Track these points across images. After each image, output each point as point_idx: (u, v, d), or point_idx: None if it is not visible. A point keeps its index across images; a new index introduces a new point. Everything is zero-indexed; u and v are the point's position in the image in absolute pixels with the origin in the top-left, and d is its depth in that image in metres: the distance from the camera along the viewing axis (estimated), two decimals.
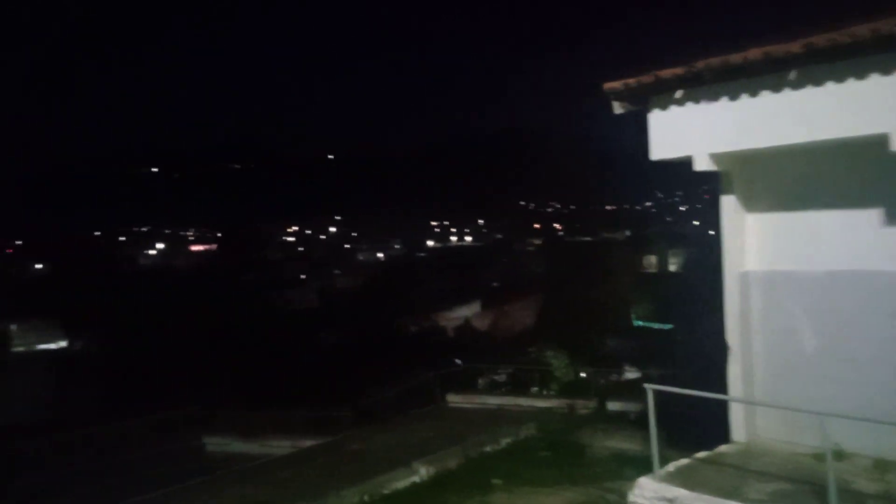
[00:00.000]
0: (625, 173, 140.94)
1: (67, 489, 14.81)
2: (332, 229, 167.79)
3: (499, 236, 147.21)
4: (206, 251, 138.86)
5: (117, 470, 15.99)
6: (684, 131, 7.31)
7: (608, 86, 7.56)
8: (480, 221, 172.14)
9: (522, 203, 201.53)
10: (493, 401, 16.60)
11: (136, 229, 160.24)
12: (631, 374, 21.37)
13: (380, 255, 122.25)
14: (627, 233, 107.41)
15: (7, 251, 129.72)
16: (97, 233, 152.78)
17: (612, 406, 14.40)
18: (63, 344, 47.19)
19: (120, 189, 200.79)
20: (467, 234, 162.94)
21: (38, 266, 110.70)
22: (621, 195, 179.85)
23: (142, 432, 20.69)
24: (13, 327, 47.34)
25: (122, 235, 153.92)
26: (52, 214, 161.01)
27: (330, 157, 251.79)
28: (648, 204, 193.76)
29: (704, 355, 11.18)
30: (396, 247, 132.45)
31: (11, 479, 16.10)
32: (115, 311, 50.35)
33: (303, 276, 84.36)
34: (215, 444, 17.32)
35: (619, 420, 13.24)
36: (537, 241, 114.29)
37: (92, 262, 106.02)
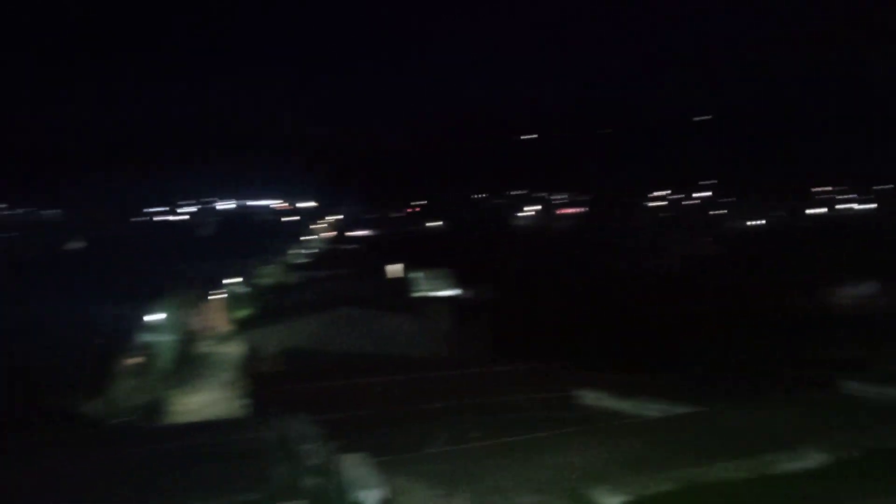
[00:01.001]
0: None
1: (465, 418, 16.72)
2: (705, 194, 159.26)
3: None
4: (575, 214, 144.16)
5: (504, 408, 17.73)
6: None
7: None
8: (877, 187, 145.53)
9: None
10: None
11: (512, 193, 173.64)
12: None
13: (757, 222, 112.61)
14: None
15: (411, 210, 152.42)
16: (481, 195, 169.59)
17: None
18: (455, 292, 53.11)
19: (501, 155, 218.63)
20: (860, 199, 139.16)
21: (435, 223, 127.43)
22: None
23: (521, 377, 22.58)
24: (415, 276, 54.75)
25: (500, 198, 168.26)
26: (443, 181, 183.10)
27: (705, 118, 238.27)
28: None
29: None
30: (776, 214, 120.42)
31: (426, 403, 18.74)
32: (499, 265, 55.79)
33: (670, 242, 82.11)
34: (589, 398, 18.01)
35: None
36: None
37: (479, 220, 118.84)
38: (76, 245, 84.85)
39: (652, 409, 16.36)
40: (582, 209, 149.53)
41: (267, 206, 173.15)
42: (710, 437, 12.58)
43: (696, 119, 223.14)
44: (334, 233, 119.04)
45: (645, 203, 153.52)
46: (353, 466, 8.45)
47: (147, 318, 36.46)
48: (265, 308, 45.29)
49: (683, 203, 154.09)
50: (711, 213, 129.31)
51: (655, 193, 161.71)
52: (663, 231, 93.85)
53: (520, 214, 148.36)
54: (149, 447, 16.96)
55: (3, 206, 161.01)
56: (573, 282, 50.07)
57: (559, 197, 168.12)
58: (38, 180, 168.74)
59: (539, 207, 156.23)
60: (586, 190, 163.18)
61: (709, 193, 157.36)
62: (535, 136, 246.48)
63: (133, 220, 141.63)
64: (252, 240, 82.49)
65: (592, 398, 17.91)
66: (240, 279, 58.44)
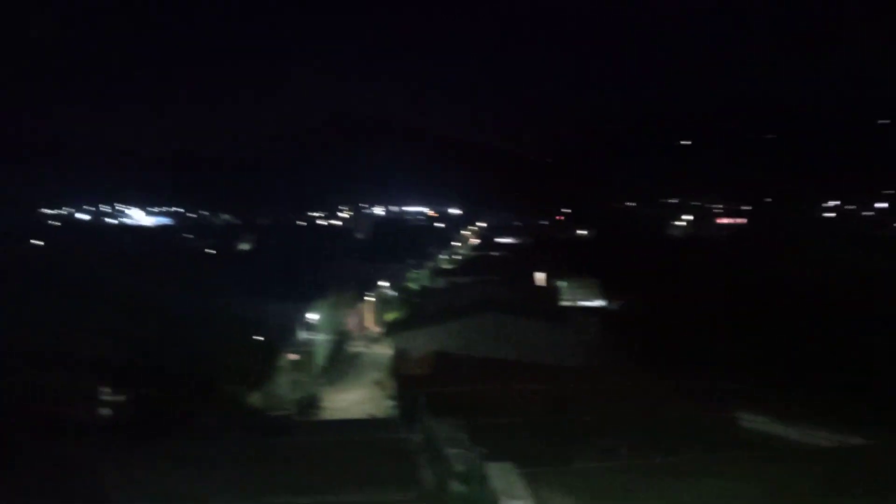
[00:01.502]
0: None
1: (614, 432, 16.14)
2: (882, 205, 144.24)
3: None
4: (733, 224, 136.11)
5: (656, 424, 16.90)
6: None
7: None
8: None
9: None
10: None
11: (665, 201, 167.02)
12: None
13: None
14: None
15: (558, 218, 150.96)
16: (631, 203, 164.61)
17: None
18: (601, 303, 51.77)
19: (652, 161, 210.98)
20: None
21: (582, 232, 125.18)
22: None
23: (674, 393, 21.49)
24: (562, 284, 53.90)
25: (653, 206, 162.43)
26: (592, 188, 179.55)
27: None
28: None
29: None
30: None
31: (574, 414, 18.37)
32: (649, 276, 53.68)
33: (847, 256, 75.06)
34: (750, 420, 16.79)
35: None
36: None
37: (629, 230, 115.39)
38: (245, 246, 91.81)
39: (819, 438, 14.98)
40: (742, 219, 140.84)
41: (420, 213, 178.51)
42: (886, 473, 11.30)
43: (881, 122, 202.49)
44: (480, 240, 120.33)
45: (815, 213, 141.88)
46: (501, 475, 8.38)
47: (306, 316, 38.68)
48: (414, 311, 46.53)
49: (862, 214, 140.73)
50: None
51: (829, 203, 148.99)
52: (838, 244, 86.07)
53: (674, 223, 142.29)
54: (305, 439, 17.95)
55: (181, 210, 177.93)
56: (732, 294, 47.13)
57: (716, 206, 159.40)
58: (212, 187, 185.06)
59: (693, 217, 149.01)
60: (745, 198, 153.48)
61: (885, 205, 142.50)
62: (689, 142, 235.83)
63: (297, 223, 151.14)
64: (403, 244, 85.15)
65: (754, 420, 16.67)
66: (392, 282, 60.59)
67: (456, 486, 9.58)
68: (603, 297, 51.35)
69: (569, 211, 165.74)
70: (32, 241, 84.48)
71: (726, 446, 14.56)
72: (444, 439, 12.16)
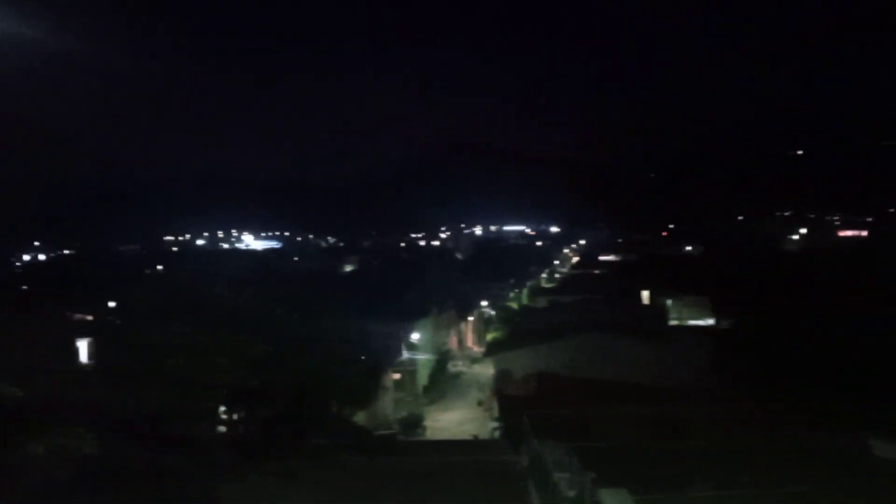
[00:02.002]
0: None
1: (731, 458, 15.29)
2: None
3: None
4: (855, 237, 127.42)
5: (776, 450, 15.85)
6: None
7: None
8: None
9: None
10: None
11: (778, 213, 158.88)
12: None
13: None
14: None
15: (663, 234, 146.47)
16: (740, 217, 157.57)
17: None
18: (710, 322, 49.63)
19: (762, 173, 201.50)
20: None
21: (688, 248, 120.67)
22: None
23: (793, 416, 20.18)
24: (669, 303, 52.07)
25: (765, 219, 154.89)
26: (701, 199, 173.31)
27: None
28: None
29: None
30: None
31: (685, 438, 17.57)
32: (762, 292, 50.90)
33: None
34: (884, 448, 15.46)
35: None
36: None
37: (740, 244, 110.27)
38: (349, 267, 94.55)
39: None
40: (863, 231, 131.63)
41: (519, 231, 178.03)
42: None
43: None
44: (581, 257, 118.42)
45: None
46: (615, 502, 8.04)
47: (408, 335, 39.15)
48: (515, 330, 46.15)
49: None
50: None
51: None
52: None
53: (789, 237, 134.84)
54: (411, 459, 18.03)
55: (286, 233, 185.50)
56: (855, 311, 43.90)
57: (834, 217, 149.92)
58: (318, 212, 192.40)
59: (809, 229, 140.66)
60: (866, 209, 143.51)
61: None
62: (801, 151, 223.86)
63: (401, 244, 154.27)
64: (503, 264, 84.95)
65: (888, 449, 15.33)
66: (492, 302, 60.49)
67: None
68: (713, 315, 49.23)
69: (673, 226, 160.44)
70: (158, 267, 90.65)
71: (859, 476, 13.45)
72: (552, 463, 11.88)
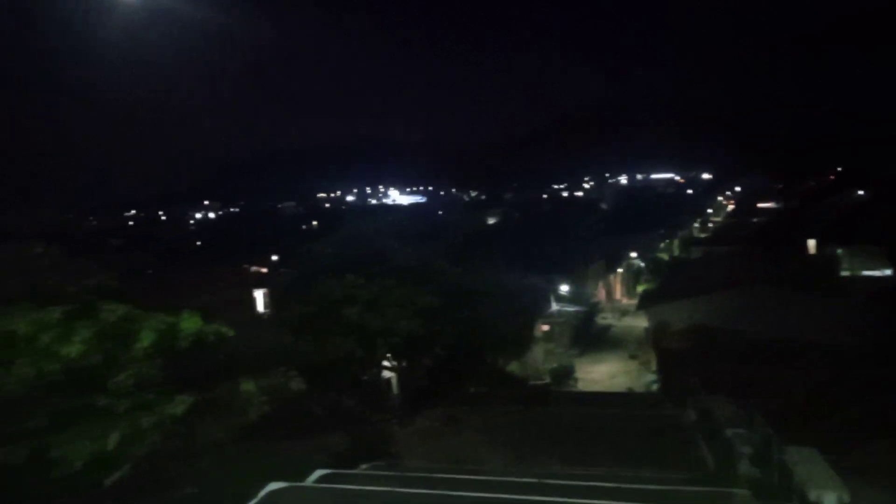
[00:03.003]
0: None
1: None
2: None
3: None
4: None
5: None
6: None
7: None
8: None
9: None
10: None
11: None
12: None
13: None
14: None
15: (829, 177, 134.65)
16: None
17: None
18: (887, 272, 45.55)
19: None
20: None
21: (860, 192, 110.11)
22: None
23: None
24: (839, 252, 48.25)
25: None
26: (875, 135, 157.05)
27: None
28: None
29: None
30: None
31: (863, 401, 16.41)
32: None
33: None
34: None
35: None
36: None
37: None
38: (492, 220, 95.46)
39: None
40: None
41: (668, 180, 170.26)
42: None
43: None
44: (736, 205, 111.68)
45: None
46: (805, 462, 7.74)
47: (557, 288, 39.16)
48: (668, 283, 44.75)
49: None
50: None
51: None
52: None
53: None
54: (570, 410, 18.24)
55: (430, 188, 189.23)
56: None
57: None
58: (462, 167, 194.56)
59: None
60: None
61: None
62: None
63: (543, 196, 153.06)
64: (651, 213, 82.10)
65: None
66: (640, 253, 58.87)
67: (746, 469, 9.07)
68: (890, 265, 45.03)
69: (841, 169, 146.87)
70: (313, 223, 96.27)
71: None
72: (724, 419, 11.57)
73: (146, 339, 7.96)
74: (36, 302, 7.64)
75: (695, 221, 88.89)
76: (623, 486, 8.67)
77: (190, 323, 8.54)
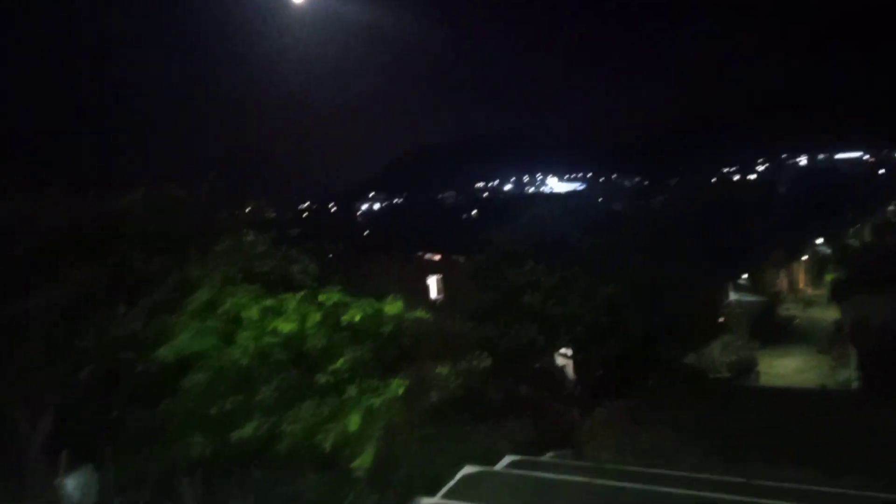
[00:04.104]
0: None
1: None
2: None
3: None
4: None
5: None
6: None
7: None
8: None
9: None
10: None
11: None
12: None
13: None
14: None
15: None
16: None
17: None
18: None
19: None
20: None
21: None
22: None
23: None
24: None
25: None
26: None
27: None
28: None
29: None
30: None
31: None
32: None
33: None
34: None
35: None
36: None
37: None
38: (657, 207, 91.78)
39: None
40: None
41: (856, 158, 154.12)
42: None
43: None
44: None
45: None
46: None
47: (735, 277, 36.99)
48: (862, 272, 40.71)
49: None
50: None
51: None
52: None
53: None
54: (761, 408, 17.12)
55: (589, 174, 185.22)
56: None
57: None
58: (620, 149, 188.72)
59: None
60: None
61: None
62: None
63: (711, 180, 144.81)
64: (837, 197, 75.11)
65: None
66: (827, 240, 54.24)
67: None
68: None
69: None
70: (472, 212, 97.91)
71: None
72: None
73: (360, 324, 8.44)
74: (261, 286, 8.37)
75: (890, 205, 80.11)
76: (849, 491, 7.91)
77: (393, 308, 8.94)
